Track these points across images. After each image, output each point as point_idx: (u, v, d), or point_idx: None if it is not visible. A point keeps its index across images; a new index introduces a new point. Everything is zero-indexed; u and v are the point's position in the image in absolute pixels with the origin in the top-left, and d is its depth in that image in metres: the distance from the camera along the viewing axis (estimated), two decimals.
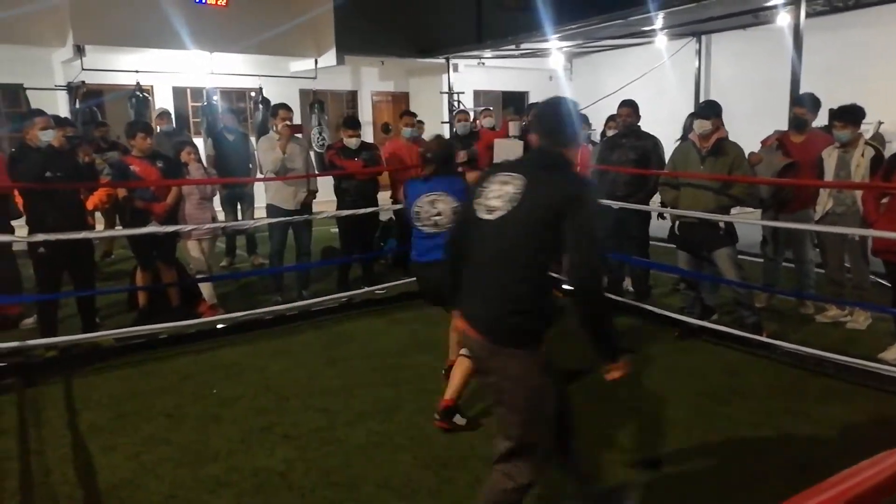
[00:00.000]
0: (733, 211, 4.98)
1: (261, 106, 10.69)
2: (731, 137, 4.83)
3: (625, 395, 3.94)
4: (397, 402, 3.92)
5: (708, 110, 4.82)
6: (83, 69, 9.51)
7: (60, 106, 9.86)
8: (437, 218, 3.74)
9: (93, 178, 5.48)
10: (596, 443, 3.39)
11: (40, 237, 4.46)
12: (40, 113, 4.86)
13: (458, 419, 3.55)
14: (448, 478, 3.08)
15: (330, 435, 3.53)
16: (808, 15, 7.88)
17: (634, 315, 5.38)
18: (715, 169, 4.68)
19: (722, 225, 4.74)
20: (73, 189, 4.91)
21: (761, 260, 5.76)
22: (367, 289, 6.06)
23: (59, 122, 5.20)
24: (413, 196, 3.82)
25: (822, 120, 5.97)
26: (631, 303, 5.50)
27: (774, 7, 8.46)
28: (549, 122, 2.38)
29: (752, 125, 7.11)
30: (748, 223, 5.84)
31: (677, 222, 4.98)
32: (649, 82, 11.24)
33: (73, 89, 9.79)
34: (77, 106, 9.54)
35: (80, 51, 9.36)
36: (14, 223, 5.42)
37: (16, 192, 5.13)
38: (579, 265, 2.14)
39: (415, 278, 4.12)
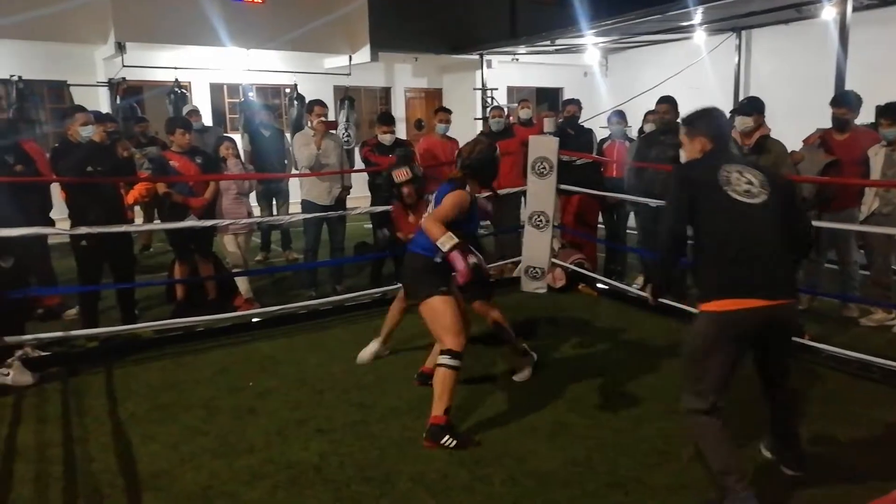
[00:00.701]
0: None
1: (296, 102, 10.79)
2: (772, 135, 4.72)
3: (666, 396, 3.88)
4: (430, 398, 3.89)
5: (749, 107, 4.72)
6: (124, 66, 9.72)
7: (102, 102, 10.09)
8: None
9: (132, 172, 5.59)
10: (636, 445, 3.34)
11: (83, 230, 4.56)
12: (81, 109, 4.99)
13: (448, 440, 3.30)
14: (482, 475, 3.06)
15: (364, 429, 3.54)
16: (854, 8, 7.66)
17: (673, 316, 5.25)
18: None
19: None
20: (113, 183, 5.02)
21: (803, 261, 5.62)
22: (400, 284, 6.06)
23: (100, 117, 5.30)
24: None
25: (868, 117, 5.80)
26: (668, 303, 5.38)
27: (819, 1, 8.23)
28: (723, 128, 2.93)
29: (794, 123, 6.93)
30: None
31: None
32: (687, 79, 11.03)
33: (113, 86, 10.01)
34: (118, 102, 9.75)
35: (121, 48, 9.56)
36: (57, 217, 5.56)
37: (59, 186, 5.26)
38: (809, 228, 2.95)
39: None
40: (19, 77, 8.78)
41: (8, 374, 4.15)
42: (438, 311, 3.44)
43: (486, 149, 3.59)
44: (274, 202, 7.71)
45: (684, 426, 2.92)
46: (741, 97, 10.90)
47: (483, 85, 13.04)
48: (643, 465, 3.14)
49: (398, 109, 13.86)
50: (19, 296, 4.58)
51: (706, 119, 2.85)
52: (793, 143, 5.15)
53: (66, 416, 3.78)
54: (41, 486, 3.03)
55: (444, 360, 3.40)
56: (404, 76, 14.10)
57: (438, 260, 3.40)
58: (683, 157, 3.03)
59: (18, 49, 9.47)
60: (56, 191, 5.83)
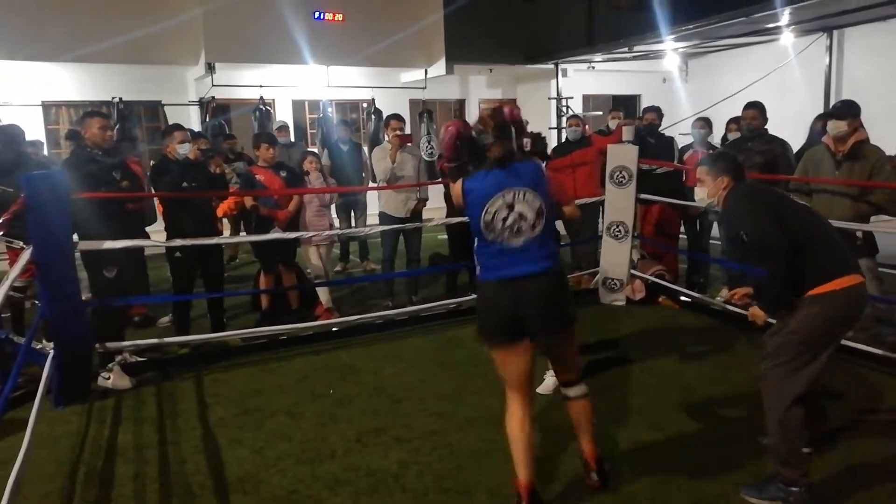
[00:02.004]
0: (873, 220, 4.58)
1: (373, 116, 11.04)
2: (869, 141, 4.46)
3: (751, 415, 3.73)
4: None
5: (844, 111, 4.46)
6: (213, 85, 10.21)
7: (193, 120, 10.64)
8: (521, 223, 2.73)
9: (224, 187, 5.87)
10: (719, 464, 3.22)
11: (178, 242, 4.82)
12: (179, 127, 5.28)
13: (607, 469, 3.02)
14: (559, 493, 3.02)
15: (441, 440, 3.56)
16: None
17: (759, 330, 5.06)
18: (853, 174, 4.34)
19: (860, 234, 4.39)
20: (206, 198, 5.29)
21: None
22: (474, 295, 6.08)
23: (193, 135, 5.60)
24: (479, 197, 2.75)
25: None
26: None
27: None
28: (742, 168, 3.11)
29: (893, 127, 6.54)
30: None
31: None
32: (772, 82, 10.59)
33: (204, 104, 10.54)
34: (207, 120, 10.26)
35: (210, 68, 10.05)
36: (150, 230, 5.89)
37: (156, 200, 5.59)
38: None
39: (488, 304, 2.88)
40: (120, 98, 9.37)
41: (109, 378, 4.42)
42: (574, 335, 2.95)
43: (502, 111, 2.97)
44: (352, 214, 7.91)
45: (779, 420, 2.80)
46: (832, 101, 10.37)
47: (558, 94, 12.93)
48: (731, 484, 3.02)
49: (472, 121, 13.91)
50: (121, 304, 4.87)
51: (727, 160, 3.09)
52: (890, 149, 4.85)
53: (160, 418, 4.00)
54: (139, 486, 3.21)
55: (585, 388, 3.01)
56: (479, 87, 14.17)
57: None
58: (701, 193, 3.10)
59: (118, 72, 10.13)
60: (153, 205, 6.19)
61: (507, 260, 2.76)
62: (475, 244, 2.87)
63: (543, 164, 2.84)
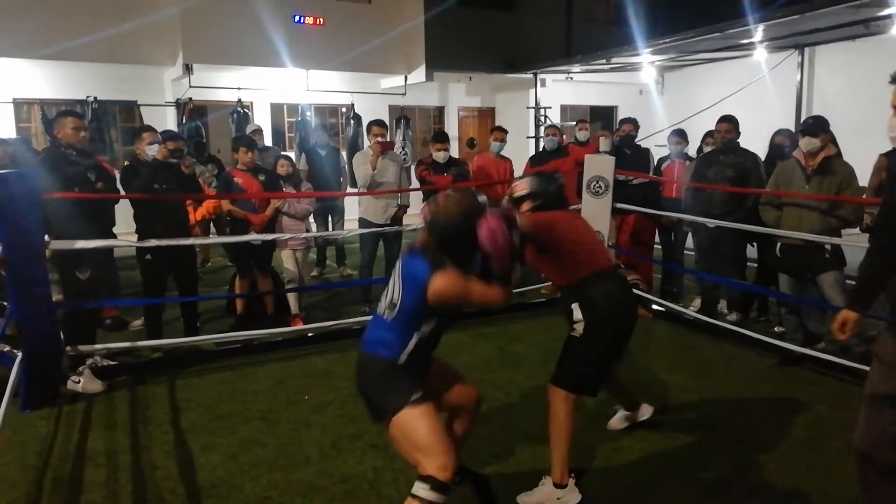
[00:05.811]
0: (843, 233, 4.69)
1: (352, 121, 11.02)
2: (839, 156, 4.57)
3: (724, 424, 3.79)
4: (483, 417, 3.86)
5: (815, 126, 4.55)
6: (190, 86, 10.12)
7: (169, 121, 10.53)
8: (384, 297, 2.68)
9: (195, 189, 5.79)
10: (694, 474, 3.26)
11: (152, 243, 4.75)
12: (148, 128, 5.25)
13: None
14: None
15: None
16: None
17: (730, 340, 5.16)
18: (822, 189, 4.44)
19: (828, 247, 4.49)
20: (178, 200, 5.23)
21: None
22: None
23: (168, 136, 5.52)
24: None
25: None
26: (726, 326, 5.28)
27: (889, 17, 7.96)
28: None
29: (861, 143, 6.68)
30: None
31: (779, 244, 4.76)
32: (746, 97, 10.79)
33: (181, 105, 10.44)
34: (185, 121, 10.17)
35: (188, 69, 9.97)
36: (119, 232, 5.79)
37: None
38: None
39: None
40: (94, 98, 9.25)
41: (79, 382, 4.34)
42: (412, 426, 2.45)
43: (459, 209, 2.52)
44: (329, 219, 7.88)
45: None
46: (803, 116, 10.60)
47: (536, 104, 13.05)
48: (705, 492, 3.07)
49: (451, 128, 13.99)
50: (93, 306, 4.79)
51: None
52: (859, 163, 4.96)
53: (132, 423, 3.93)
54: (109, 492, 3.16)
55: (422, 491, 2.34)
56: (458, 95, 14.24)
57: (404, 359, 2.56)
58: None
59: (92, 71, 9.99)
60: (125, 206, 6.09)
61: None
62: None
63: (432, 277, 2.47)
